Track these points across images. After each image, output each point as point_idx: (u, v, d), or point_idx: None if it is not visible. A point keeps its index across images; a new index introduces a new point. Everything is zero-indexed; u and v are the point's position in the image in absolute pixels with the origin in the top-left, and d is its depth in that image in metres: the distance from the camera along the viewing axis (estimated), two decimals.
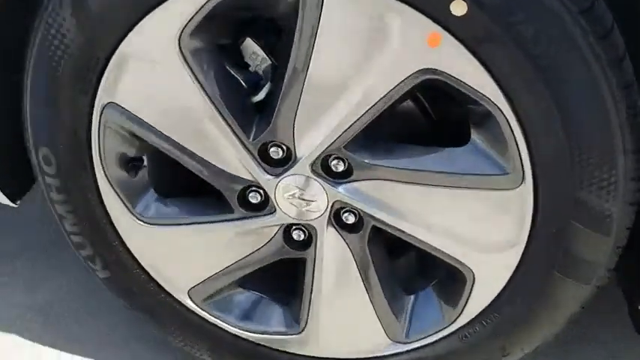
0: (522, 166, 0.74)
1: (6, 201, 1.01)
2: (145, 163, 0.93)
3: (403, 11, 0.68)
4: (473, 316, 0.89)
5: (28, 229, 1.38)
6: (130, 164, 0.92)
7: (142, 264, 0.97)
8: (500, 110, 0.72)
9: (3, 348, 1.15)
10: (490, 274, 0.84)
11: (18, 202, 1.04)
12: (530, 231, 0.78)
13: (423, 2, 0.67)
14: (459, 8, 0.66)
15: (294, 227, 0.90)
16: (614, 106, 0.68)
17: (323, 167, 0.83)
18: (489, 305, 0.87)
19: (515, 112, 0.71)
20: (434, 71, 0.71)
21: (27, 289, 1.27)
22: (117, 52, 0.79)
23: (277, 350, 1.01)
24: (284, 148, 0.83)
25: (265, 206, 0.88)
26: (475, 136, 0.77)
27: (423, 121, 0.85)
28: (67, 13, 0.76)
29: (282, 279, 0.99)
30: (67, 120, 0.86)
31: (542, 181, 0.75)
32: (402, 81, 0.72)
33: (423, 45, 0.69)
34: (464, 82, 0.71)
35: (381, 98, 0.74)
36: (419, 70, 0.71)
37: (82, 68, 0.81)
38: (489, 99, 0.72)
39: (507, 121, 0.72)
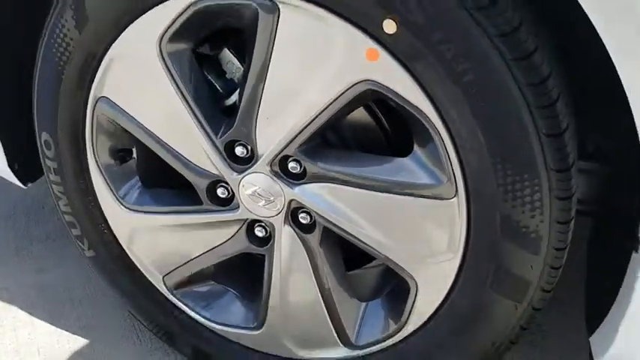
0: (455, 178, 0.83)
1: (16, 181, 1.20)
2: (134, 155, 1.08)
3: (345, 28, 0.80)
4: (417, 327, 0.96)
5: (52, 218, 1.58)
6: (120, 154, 1.07)
7: (124, 247, 1.12)
8: (434, 125, 0.81)
9: (3, 321, 1.32)
10: (432, 286, 0.92)
11: (28, 185, 1.22)
12: (465, 243, 0.86)
13: (362, 21, 0.78)
14: (390, 27, 0.76)
15: (256, 224, 1.01)
16: (534, 127, 0.76)
17: (281, 168, 0.94)
18: (431, 317, 0.94)
19: (447, 128, 0.80)
20: (374, 83, 0.82)
21: (36, 272, 1.45)
22: (109, 52, 0.95)
23: (239, 344, 1.11)
24: (248, 147, 0.95)
25: (231, 201, 1.00)
26: (417, 147, 0.86)
27: (379, 133, 0.94)
28: (69, 16, 0.93)
29: (250, 276, 1.10)
30: (66, 110, 1.03)
31: (472, 193, 0.83)
32: (346, 90, 0.83)
33: (362, 59, 0.80)
34: (401, 96, 0.81)
35: (328, 105, 0.85)
36: (360, 82, 0.82)
37: (80, 65, 0.97)
38: (424, 113, 0.81)
39: (440, 135, 0.81)
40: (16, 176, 1.18)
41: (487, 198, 0.82)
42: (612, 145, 0.96)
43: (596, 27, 0.69)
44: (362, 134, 0.94)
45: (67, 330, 1.30)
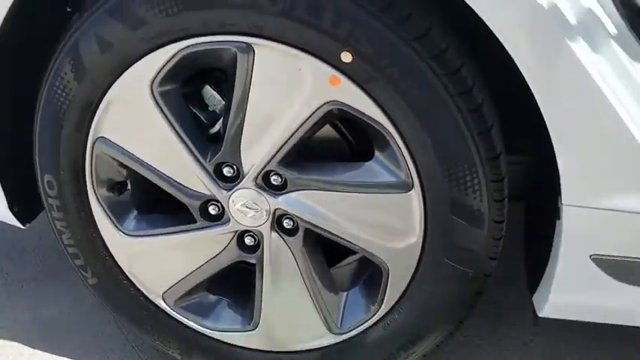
0: (410, 174, 1.03)
1: (16, 222, 1.32)
2: (129, 186, 1.24)
3: (310, 60, 1.00)
4: (391, 306, 1.15)
5: (35, 260, 1.69)
6: (116, 187, 1.22)
7: (125, 271, 1.26)
8: (390, 134, 1.02)
9: (6, 356, 1.42)
10: (400, 266, 1.12)
11: (27, 225, 1.34)
12: (424, 225, 1.06)
13: (324, 53, 0.99)
14: (346, 57, 0.97)
15: (246, 234, 1.18)
16: (467, 127, 0.98)
17: (265, 182, 1.13)
18: (402, 294, 1.13)
19: (400, 134, 1.01)
20: (338, 103, 1.02)
21: (31, 309, 1.56)
22: (105, 96, 1.11)
23: (236, 346, 1.27)
24: (234, 167, 1.13)
25: (222, 217, 1.17)
26: (377, 152, 1.06)
27: (345, 144, 1.14)
28: (68, 69, 1.09)
29: (240, 284, 1.26)
30: (67, 152, 1.18)
31: (426, 185, 1.04)
32: (315, 111, 1.03)
33: (326, 84, 1.00)
34: (362, 112, 1.02)
35: (302, 125, 1.05)
36: (326, 103, 1.02)
37: (79, 111, 1.13)
38: (382, 125, 1.02)
39: (395, 141, 1.02)
40: (17, 218, 1.31)
41: (437, 187, 1.03)
42: (533, 140, 1.20)
43: (508, 50, 0.91)
44: (330, 146, 1.13)
45: (69, 356, 1.42)
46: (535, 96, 0.93)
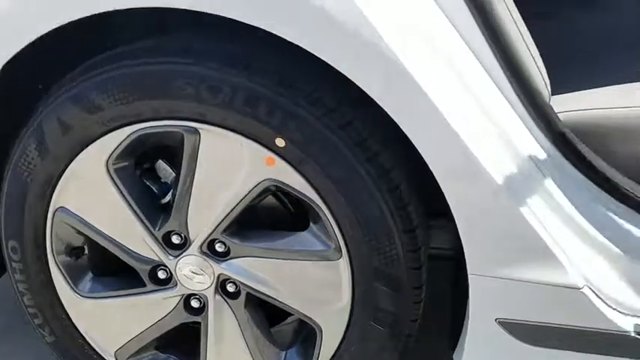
0: (340, 244, 1.16)
1: None
2: (86, 251, 1.34)
3: (249, 143, 1.14)
4: None
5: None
6: (74, 252, 1.33)
7: (80, 330, 1.36)
8: (321, 209, 1.15)
9: None
10: (332, 328, 1.24)
11: None
12: (352, 290, 1.19)
13: (261, 138, 1.12)
14: (280, 142, 1.11)
15: (192, 297, 1.29)
16: (386, 205, 1.12)
17: (210, 249, 1.24)
18: (335, 353, 1.25)
19: (330, 210, 1.15)
20: (275, 180, 1.15)
21: None
22: (66, 172, 1.23)
23: None
24: (182, 235, 1.24)
25: (170, 281, 1.28)
26: (312, 224, 1.19)
27: (285, 213, 1.27)
28: (32, 148, 1.21)
29: (188, 342, 1.36)
30: (30, 220, 1.28)
31: (353, 254, 1.17)
32: (253, 187, 1.17)
33: (263, 164, 1.13)
34: (295, 189, 1.15)
35: (242, 199, 1.18)
36: (263, 180, 1.16)
37: (41, 184, 1.25)
38: (313, 201, 1.15)
39: (326, 216, 1.15)
40: None
41: (363, 256, 1.16)
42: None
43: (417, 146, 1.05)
44: (272, 214, 1.26)
45: None
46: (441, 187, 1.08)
